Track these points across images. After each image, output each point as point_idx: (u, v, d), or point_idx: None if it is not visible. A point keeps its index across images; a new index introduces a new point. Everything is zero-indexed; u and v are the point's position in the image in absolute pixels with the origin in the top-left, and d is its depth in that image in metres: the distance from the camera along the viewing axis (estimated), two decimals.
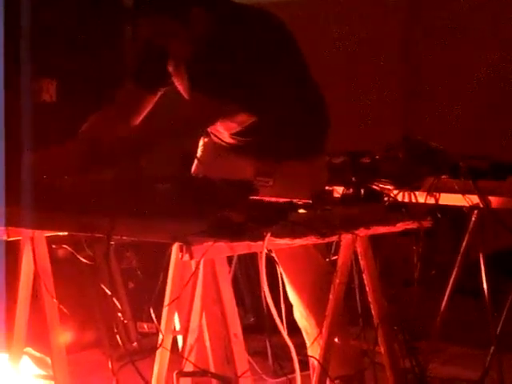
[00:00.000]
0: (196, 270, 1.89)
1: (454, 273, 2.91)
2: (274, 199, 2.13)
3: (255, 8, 2.46)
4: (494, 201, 2.65)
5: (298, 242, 1.90)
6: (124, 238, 1.98)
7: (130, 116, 2.50)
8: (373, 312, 2.23)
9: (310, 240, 1.92)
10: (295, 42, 2.46)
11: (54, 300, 2.20)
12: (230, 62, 2.32)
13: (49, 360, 2.26)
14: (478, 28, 4.60)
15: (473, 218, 2.79)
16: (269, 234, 1.79)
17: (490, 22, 4.57)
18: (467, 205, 2.67)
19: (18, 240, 2.22)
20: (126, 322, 3.26)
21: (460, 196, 2.65)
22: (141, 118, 2.53)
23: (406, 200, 2.46)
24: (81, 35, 4.28)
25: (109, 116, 2.48)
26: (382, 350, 2.24)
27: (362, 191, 2.18)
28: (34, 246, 2.18)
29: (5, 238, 2.17)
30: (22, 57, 3.70)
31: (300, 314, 2.55)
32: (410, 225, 2.15)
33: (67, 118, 4.08)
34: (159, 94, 2.54)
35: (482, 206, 2.64)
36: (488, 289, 2.79)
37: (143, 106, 2.52)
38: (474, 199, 2.64)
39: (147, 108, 2.53)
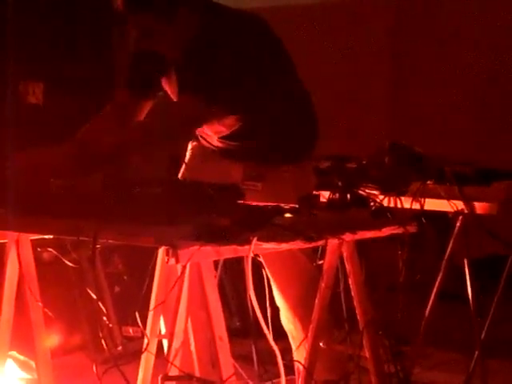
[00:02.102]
0: (182, 273, 1.89)
1: (439, 278, 2.92)
2: (261, 204, 2.13)
3: (242, 11, 2.47)
4: (479, 207, 2.67)
5: (285, 246, 1.90)
6: (110, 241, 1.97)
7: (128, 124, 2.48)
8: (358, 316, 2.24)
9: (297, 244, 1.92)
10: (283, 45, 2.47)
11: (39, 303, 2.19)
12: (218, 64, 2.32)
13: (33, 363, 2.25)
14: (464, 35, 4.64)
15: (457, 224, 2.81)
16: (255, 239, 1.80)
17: (478, 28, 4.61)
18: (452, 210, 2.68)
19: (3, 243, 2.20)
20: (111, 325, 3.24)
21: (445, 201, 2.66)
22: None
23: (392, 205, 2.47)
24: (68, 37, 4.27)
25: (105, 125, 2.46)
26: (367, 354, 2.24)
27: (348, 196, 2.19)
28: (19, 249, 2.17)
29: None
30: (8, 59, 3.68)
31: (286, 318, 2.56)
32: (396, 230, 2.16)
33: (54, 121, 4.07)
34: (155, 98, 2.54)
35: (466, 211, 2.65)
36: (472, 294, 2.80)
37: (140, 113, 2.51)
38: (459, 205, 2.65)
39: (144, 113, 2.52)
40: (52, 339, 3.09)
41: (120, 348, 3.36)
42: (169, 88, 2.51)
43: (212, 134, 2.55)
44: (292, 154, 2.52)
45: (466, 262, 2.81)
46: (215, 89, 2.31)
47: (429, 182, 2.67)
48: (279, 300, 2.55)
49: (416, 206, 2.57)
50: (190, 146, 2.69)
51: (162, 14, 2.29)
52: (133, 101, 2.49)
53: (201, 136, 2.61)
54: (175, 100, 2.50)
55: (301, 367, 2.29)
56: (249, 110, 2.41)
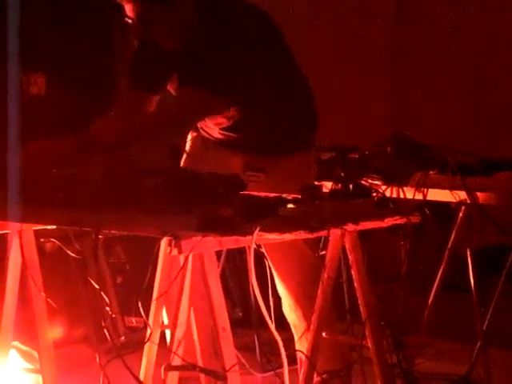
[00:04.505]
0: (184, 264, 1.89)
1: (442, 268, 2.92)
2: (263, 194, 2.13)
3: (244, 2, 2.46)
4: (482, 197, 2.66)
5: (287, 236, 1.90)
6: (112, 232, 1.97)
7: (136, 118, 2.47)
8: (360, 307, 2.24)
9: (299, 235, 1.92)
10: (282, 35, 2.46)
11: (42, 294, 2.19)
12: (217, 56, 2.32)
13: (36, 354, 2.25)
14: (466, 23, 4.62)
15: (460, 214, 2.81)
16: (257, 229, 1.80)
17: (480, 17, 4.59)
18: (455, 200, 2.68)
19: (6, 233, 2.21)
20: (113, 316, 3.25)
21: (448, 192, 2.66)
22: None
23: (395, 195, 2.47)
24: (70, 28, 4.27)
25: (115, 121, 2.45)
26: (370, 344, 2.25)
27: (351, 186, 2.19)
28: (22, 240, 2.17)
29: None
30: (10, 50, 3.68)
31: (289, 308, 2.56)
32: (398, 220, 2.15)
33: (55, 112, 4.06)
34: (161, 93, 2.54)
35: (469, 201, 2.65)
36: (475, 284, 2.80)
37: (149, 108, 2.51)
38: (462, 195, 2.65)
39: (152, 107, 2.52)
40: (55, 330, 3.10)
41: (123, 338, 3.37)
42: (169, 83, 2.51)
43: (213, 127, 2.55)
44: (292, 144, 2.52)
45: (468, 252, 2.81)
46: (215, 81, 2.31)
47: (431, 172, 2.66)
48: (281, 290, 2.55)
49: (419, 196, 2.56)
50: (189, 137, 2.69)
51: (158, 3, 2.28)
52: (142, 98, 2.49)
53: (201, 128, 2.61)
54: (175, 94, 2.50)
55: (303, 357, 2.29)
56: (249, 101, 2.41)
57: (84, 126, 2.44)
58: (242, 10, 2.40)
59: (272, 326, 1.92)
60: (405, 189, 2.51)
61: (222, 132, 2.54)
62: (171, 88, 2.52)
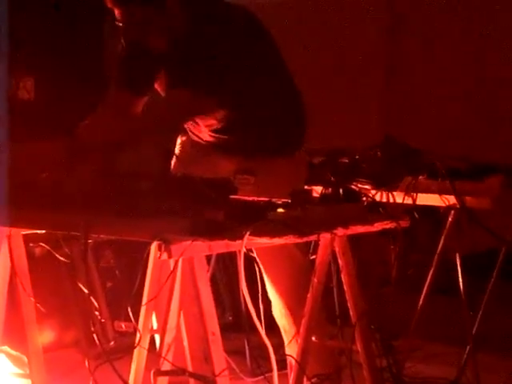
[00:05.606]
0: (174, 268, 1.88)
1: (431, 272, 2.93)
2: (253, 198, 2.13)
3: (232, 4, 2.47)
4: (471, 201, 2.67)
5: (277, 241, 1.90)
6: (102, 236, 1.97)
7: (123, 120, 2.47)
8: (350, 311, 2.25)
9: (289, 239, 1.92)
10: (272, 39, 2.47)
11: (31, 298, 2.18)
12: (207, 57, 2.32)
13: (25, 359, 2.24)
14: (459, 26, 4.64)
15: (449, 219, 2.82)
16: (248, 233, 1.79)
17: (473, 20, 4.60)
18: (444, 205, 2.69)
19: None
20: (103, 320, 3.24)
21: (437, 196, 2.67)
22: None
23: (384, 200, 2.47)
24: (59, 32, 4.26)
25: (101, 122, 2.44)
26: (359, 348, 2.25)
27: (341, 191, 2.19)
28: (11, 244, 2.16)
29: None
30: None
31: (279, 312, 2.56)
32: (388, 224, 2.16)
33: (44, 116, 4.05)
34: (148, 94, 2.53)
35: (458, 206, 2.66)
36: (464, 288, 2.81)
37: (136, 110, 2.50)
38: (451, 199, 2.66)
39: (139, 108, 2.52)
40: (44, 334, 3.08)
41: (112, 343, 3.36)
42: (159, 84, 2.51)
43: (204, 129, 2.55)
44: (282, 147, 2.53)
45: (457, 256, 2.81)
46: (203, 82, 2.31)
47: (421, 177, 2.67)
48: (272, 294, 2.55)
49: (408, 200, 2.57)
50: (179, 141, 2.69)
51: (149, 6, 2.29)
52: (129, 99, 2.49)
53: (191, 131, 2.61)
54: (163, 95, 2.50)
55: (293, 362, 2.29)
56: (238, 103, 2.41)
57: (72, 129, 2.44)
58: (231, 11, 2.41)
59: (262, 331, 1.92)
60: (394, 193, 2.51)
61: (212, 134, 2.54)
62: (160, 89, 2.52)
